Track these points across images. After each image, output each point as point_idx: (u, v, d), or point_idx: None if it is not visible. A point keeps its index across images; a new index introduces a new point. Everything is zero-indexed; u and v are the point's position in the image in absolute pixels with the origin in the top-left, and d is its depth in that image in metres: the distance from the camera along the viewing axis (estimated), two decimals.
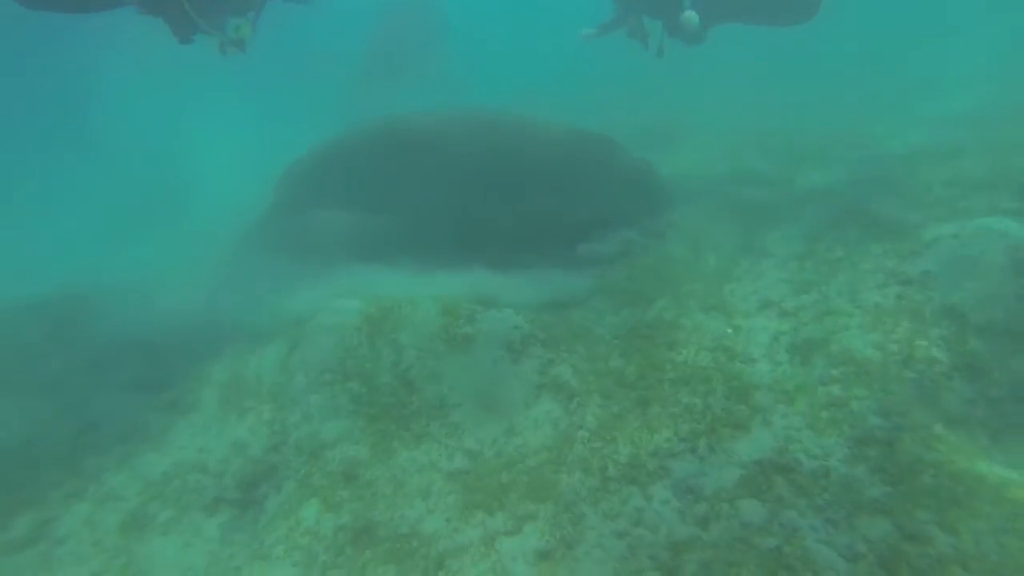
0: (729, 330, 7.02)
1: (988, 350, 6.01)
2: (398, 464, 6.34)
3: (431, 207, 9.80)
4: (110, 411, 7.70)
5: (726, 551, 4.59)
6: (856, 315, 6.84)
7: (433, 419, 6.79)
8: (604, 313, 7.82)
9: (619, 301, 7.97)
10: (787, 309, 7.19)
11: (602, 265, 9.26)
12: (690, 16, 8.90)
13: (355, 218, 9.82)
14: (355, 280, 8.75)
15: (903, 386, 5.92)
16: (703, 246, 8.99)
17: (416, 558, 5.24)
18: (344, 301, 7.97)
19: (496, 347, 7.15)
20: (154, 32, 8.02)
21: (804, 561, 4.41)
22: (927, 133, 11.78)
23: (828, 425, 5.57)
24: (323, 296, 8.36)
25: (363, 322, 7.72)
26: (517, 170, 10.22)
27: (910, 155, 10.36)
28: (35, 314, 10.53)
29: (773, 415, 5.82)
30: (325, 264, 9.21)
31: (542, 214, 10.11)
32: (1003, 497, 4.67)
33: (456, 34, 22.56)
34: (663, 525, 4.94)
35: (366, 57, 21.72)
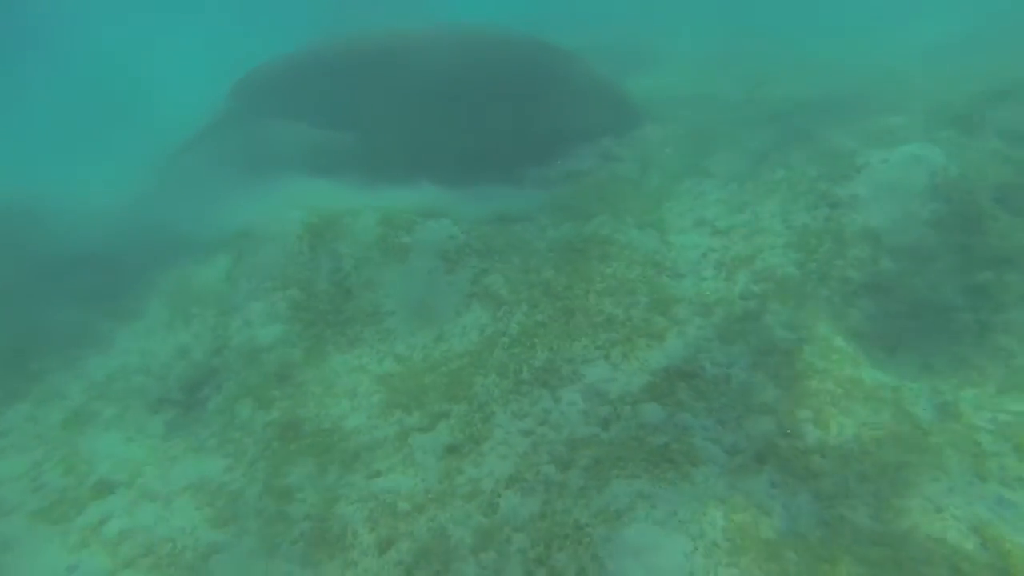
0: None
1: (895, 270, 6.22)
2: (330, 367, 6.57)
3: (387, 123, 9.69)
4: (58, 319, 7.83)
5: (619, 448, 4.89)
6: (784, 235, 7.00)
7: (367, 325, 6.98)
8: (546, 227, 7.91)
9: (561, 216, 8.05)
10: (720, 228, 7.33)
11: (554, 182, 9.28)
12: None
13: (308, 130, 9.71)
14: (304, 191, 8.76)
15: (816, 302, 6.15)
16: (651, 165, 9.02)
17: (335, 451, 5.53)
18: (289, 211, 8.03)
19: (431, 257, 7.29)
20: None
21: (687, 455, 4.71)
22: (887, 60, 11.64)
23: (738, 336, 5.81)
24: (271, 206, 8.40)
25: (305, 231, 7.80)
26: (480, 87, 10.03)
27: (866, 81, 10.28)
28: None
29: (689, 327, 6.04)
30: (276, 174, 9.19)
31: (502, 132, 10.01)
32: (872, 397, 4.99)
33: None
34: (566, 425, 5.23)
35: None
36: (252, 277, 7.65)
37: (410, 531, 4.64)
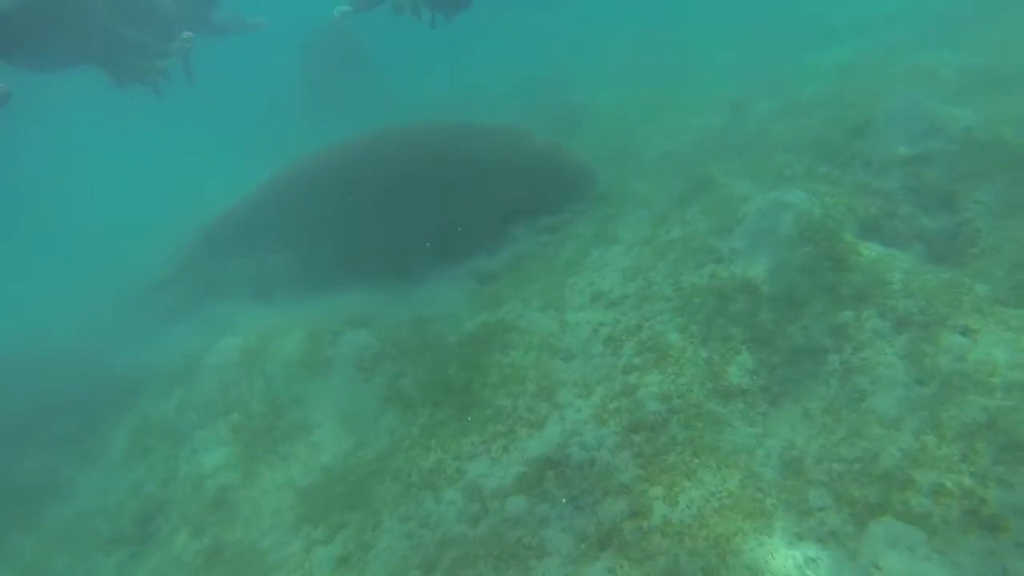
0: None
1: (772, 320, 6.38)
2: (260, 486, 7.06)
3: (321, 237, 10.39)
4: (22, 471, 8.57)
5: (479, 546, 5.17)
6: (673, 299, 7.23)
7: (298, 440, 7.48)
8: (462, 320, 8.33)
9: (478, 306, 8.47)
10: (613, 299, 7.61)
11: (483, 273, 9.70)
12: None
13: (256, 260, 10.52)
14: (245, 317, 9.45)
15: (695, 367, 6.33)
16: (569, 238, 9.39)
17: (249, 572, 5.95)
18: (227, 339, 8.69)
19: (350, 367, 7.79)
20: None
21: (535, 549, 4.96)
22: (796, 89, 11.82)
23: (611, 415, 6.03)
24: (216, 336, 9.09)
25: (243, 356, 8.43)
26: (412, 185, 10.55)
27: (771, 115, 10.52)
28: None
29: (569, 410, 6.30)
30: (225, 306, 9.97)
31: (436, 227, 10.52)
32: (726, 463, 5.13)
33: (376, 55, 22.56)
34: (442, 525, 5.54)
35: (300, 93, 22.17)
36: (199, 406, 8.28)
37: None
